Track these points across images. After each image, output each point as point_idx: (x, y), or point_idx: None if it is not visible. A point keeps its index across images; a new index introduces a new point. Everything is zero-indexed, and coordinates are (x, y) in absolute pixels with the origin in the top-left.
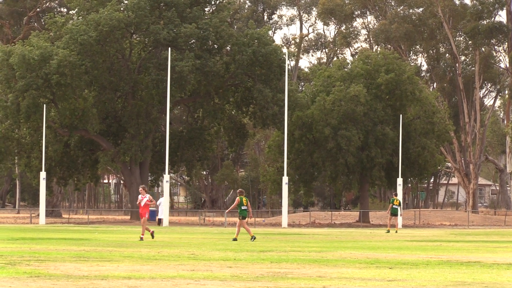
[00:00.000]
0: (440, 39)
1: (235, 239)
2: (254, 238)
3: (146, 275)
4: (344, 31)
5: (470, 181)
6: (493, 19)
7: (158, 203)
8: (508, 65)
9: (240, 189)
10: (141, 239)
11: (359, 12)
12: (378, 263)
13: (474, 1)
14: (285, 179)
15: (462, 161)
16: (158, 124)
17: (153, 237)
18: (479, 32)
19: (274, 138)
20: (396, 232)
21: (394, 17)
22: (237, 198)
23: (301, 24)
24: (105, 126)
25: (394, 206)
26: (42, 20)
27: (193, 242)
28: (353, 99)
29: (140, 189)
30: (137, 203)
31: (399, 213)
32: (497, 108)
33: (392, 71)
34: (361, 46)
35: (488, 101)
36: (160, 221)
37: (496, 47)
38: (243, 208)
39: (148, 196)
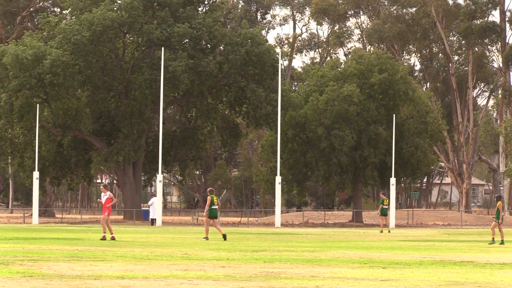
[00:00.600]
0: (433, 39)
1: (206, 238)
2: (206, 239)
3: (139, 275)
4: (337, 30)
5: (463, 181)
6: (486, 19)
7: (150, 203)
8: (501, 65)
9: (210, 188)
10: (113, 238)
11: (352, 12)
12: (371, 262)
13: (467, 1)
14: (278, 179)
15: (455, 160)
16: (151, 123)
17: (103, 239)
18: (472, 32)
19: (267, 138)
20: (389, 232)
21: (387, 17)
22: (208, 197)
23: (294, 24)
24: (98, 126)
25: (384, 207)
26: (35, 20)
27: (186, 242)
28: (346, 99)
29: (101, 187)
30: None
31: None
32: (490, 108)
33: (385, 71)
34: (354, 46)
35: (481, 101)
36: (153, 221)
37: (489, 46)
38: (213, 207)
39: (108, 193)
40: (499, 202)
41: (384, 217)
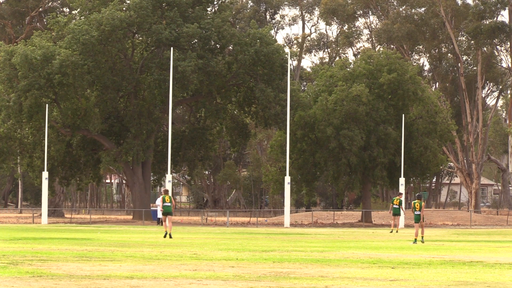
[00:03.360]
0: (442, 39)
1: (168, 235)
2: (166, 235)
3: (149, 275)
4: (346, 31)
5: (473, 181)
6: (495, 19)
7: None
8: (510, 65)
9: (164, 189)
10: None
11: (361, 12)
12: (381, 263)
13: (476, 1)
14: (287, 178)
15: (465, 160)
16: (160, 123)
17: None
18: (481, 32)
19: (276, 138)
20: (397, 231)
21: (396, 17)
22: (161, 196)
23: (303, 24)
24: (107, 126)
25: (394, 206)
26: (44, 20)
27: (195, 242)
28: (355, 99)
29: None
30: None
31: (401, 212)
32: (499, 108)
33: (395, 71)
34: (363, 46)
35: (490, 101)
36: (159, 221)
37: (498, 46)
38: (165, 204)
39: None
40: (417, 201)
41: (396, 217)
